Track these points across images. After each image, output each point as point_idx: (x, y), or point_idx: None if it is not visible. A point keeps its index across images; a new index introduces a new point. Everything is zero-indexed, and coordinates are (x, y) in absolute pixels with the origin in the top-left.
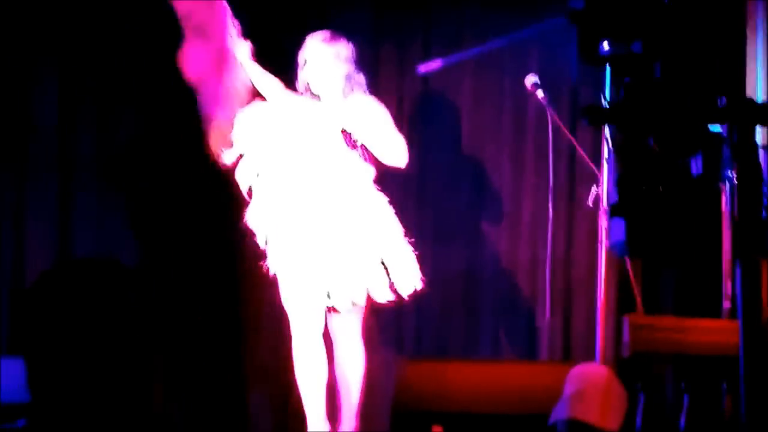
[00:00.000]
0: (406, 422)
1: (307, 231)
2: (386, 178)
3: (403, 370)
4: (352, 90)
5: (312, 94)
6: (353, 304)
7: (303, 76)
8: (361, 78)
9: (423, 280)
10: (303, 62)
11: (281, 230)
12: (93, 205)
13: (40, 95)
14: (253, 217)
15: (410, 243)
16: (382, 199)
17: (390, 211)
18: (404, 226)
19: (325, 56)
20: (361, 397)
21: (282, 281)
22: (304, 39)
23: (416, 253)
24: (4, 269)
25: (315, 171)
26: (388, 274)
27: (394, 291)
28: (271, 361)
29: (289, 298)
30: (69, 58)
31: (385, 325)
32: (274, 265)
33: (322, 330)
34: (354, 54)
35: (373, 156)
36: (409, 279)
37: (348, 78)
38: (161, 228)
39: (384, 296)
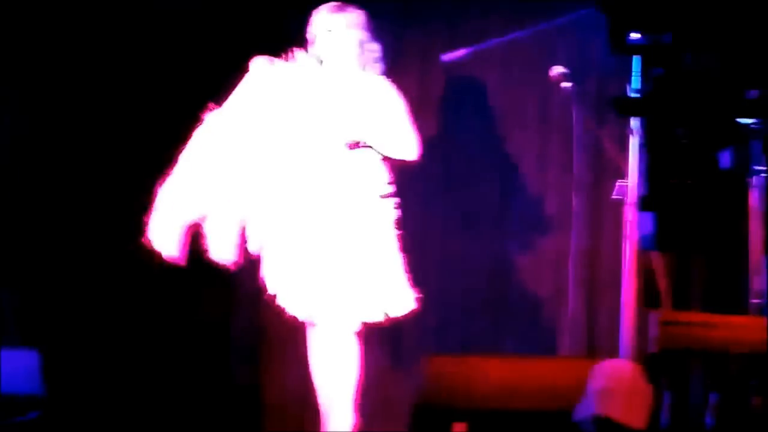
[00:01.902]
0: (429, 418)
1: (301, 244)
2: (411, 170)
3: (426, 365)
4: (367, 62)
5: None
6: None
7: (315, 50)
8: (374, 47)
9: (418, 299)
10: (313, 37)
11: (275, 240)
12: None
13: None
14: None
15: (434, 235)
16: (384, 209)
17: (389, 224)
18: (428, 219)
19: (337, 25)
20: (357, 392)
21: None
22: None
23: (440, 248)
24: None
25: (315, 173)
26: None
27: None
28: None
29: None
30: None
31: (408, 320)
32: (269, 277)
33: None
34: (366, 21)
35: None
36: (401, 301)
37: (361, 45)
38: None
39: (374, 317)
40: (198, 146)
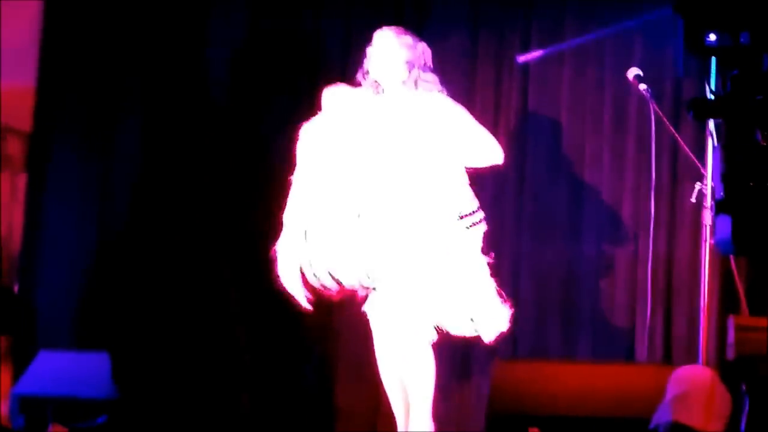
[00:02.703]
0: (502, 425)
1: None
2: (484, 174)
3: (499, 371)
4: (417, 84)
5: (374, 85)
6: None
7: (366, 65)
8: (429, 77)
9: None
10: (368, 54)
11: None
12: None
13: None
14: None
15: (508, 240)
16: (473, 233)
17: (477, 247)
18: (502, 223)
19: (387, 43)
20: (434, 397)
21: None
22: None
23: (513, 252)
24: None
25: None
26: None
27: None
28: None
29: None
30: None
31: None
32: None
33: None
34: (423, 51)
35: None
36: (495, 325)
37: (410, 65)
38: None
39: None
40: (303, 181)
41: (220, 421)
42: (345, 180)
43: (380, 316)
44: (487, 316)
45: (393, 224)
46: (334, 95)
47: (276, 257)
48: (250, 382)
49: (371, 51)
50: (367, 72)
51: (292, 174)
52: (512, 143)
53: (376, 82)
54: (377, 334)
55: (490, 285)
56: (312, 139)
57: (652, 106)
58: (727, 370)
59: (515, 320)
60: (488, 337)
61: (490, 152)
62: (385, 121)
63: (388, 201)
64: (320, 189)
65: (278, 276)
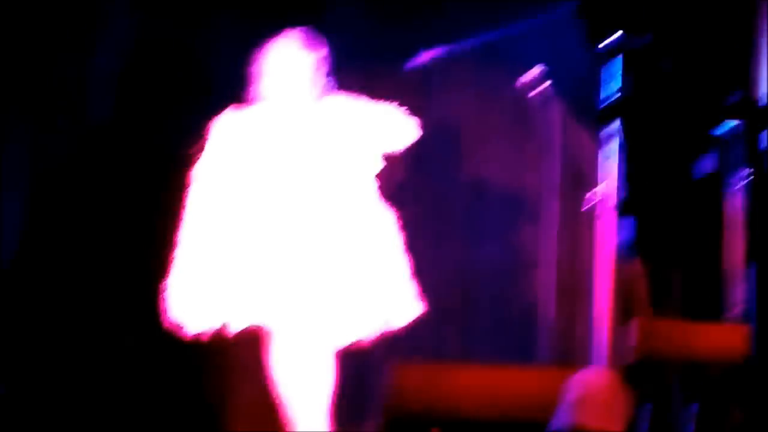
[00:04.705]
0: (400, 428)
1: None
2: (383, 177)
3: (397, 374)
4: (316, 91)
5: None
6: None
7: (263, 76)
8: (330, 81)
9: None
10: (264, 70)
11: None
12: None
13: None
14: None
15: (406, 242)
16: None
17: (386, 229)
18: (400, 224)
19: (286, 52)
20: (333, 399)
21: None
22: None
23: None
24: None
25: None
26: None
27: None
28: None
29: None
30: None
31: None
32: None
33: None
34: (322, 55)
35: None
36: (404, 309)
37: (311, 72)
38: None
39: (372, 329)
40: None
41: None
42: (241, 211)
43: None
44: (398, 297)
45: (299, 236)
46: (223, 127)
47: (167, 291)
48: (138, 389)
49: (269, 60)
50: (265, 84)
51: (185, 197)
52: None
53: (275, 93)
54: (277, 349)
55: (400, 267)
56: (206, 171)
57: (548, 109)
58: (628, 374)
59: (413, 323)
60: (399, 321)
61: (403, 130)
62: (286, 139)
63: (291, 222)
64: (216, 221)
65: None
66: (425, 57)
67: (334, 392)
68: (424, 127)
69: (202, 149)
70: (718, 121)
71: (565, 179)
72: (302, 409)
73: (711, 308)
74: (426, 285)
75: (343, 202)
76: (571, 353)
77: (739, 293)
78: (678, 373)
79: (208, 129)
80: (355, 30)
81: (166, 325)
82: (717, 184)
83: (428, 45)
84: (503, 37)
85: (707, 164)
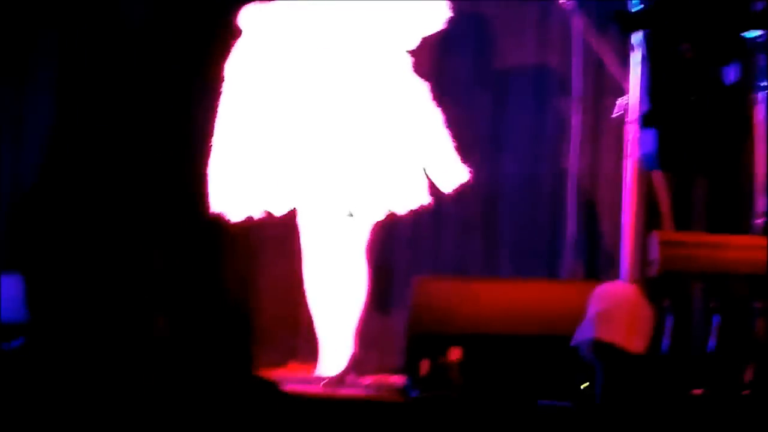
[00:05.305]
0: (423, 344)
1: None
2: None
3: (419, 289)
4: None
5: None
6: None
7: None
8: None
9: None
10: None
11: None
12: None
13: None
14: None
15: None
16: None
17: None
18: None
19: None
20: (360, 319)
21: (295, 195)
22: None
23: None
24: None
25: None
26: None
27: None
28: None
29: (304, 213)
30: None
31: (401, 243)
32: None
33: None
34: None
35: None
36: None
37: None
38: None
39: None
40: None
41: (136, 344)
42: (277, 105)
43: (316, 226)
44: (444, 164)
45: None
46: (252, 15)
47: (207, 177)
48: (167, 305)
49: None
50: None
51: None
52: (434, 53)
53: None
54: (309, 248)
55: (444, 136)
56: (240, 66)
57: (575, 20)
58: (650, 287)
59: (436, 237)
60: (447, 187)
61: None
62: (316, 27)
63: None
64: (251, 117)
65: (207, 195)
66: None
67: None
68: (449, 30)
69: (234, 41)
70: (743, 31)
71: (589, 92)
72: (331, 320)
73: (735, 220)
74: (448, 199)
75: (375, 87)
76: (595, 265)
77: (763, 204)
78: (701, 285)
79: (240, 20)
80: None
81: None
82: (741, 94)
83: None
84: None
85: (731, 74)
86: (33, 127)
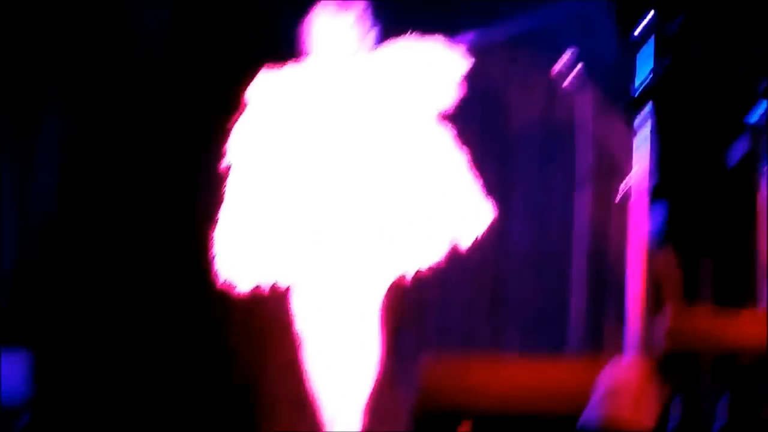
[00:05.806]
0: (431, 422)
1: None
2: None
3: (427, 367)
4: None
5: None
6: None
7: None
8: (369, 36)
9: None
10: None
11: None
12: None
13: None
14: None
15: None
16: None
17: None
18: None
19: (328, 18)
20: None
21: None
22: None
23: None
24: None
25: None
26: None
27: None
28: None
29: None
30: None
31: (407, 318)
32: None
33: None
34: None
35: None
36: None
37: (353, 33)
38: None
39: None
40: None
41: (140, 420)
42: (287, 174)
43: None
44: (467, 211)
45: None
46: (262, 88)
47: (214, 246)
48: (172, 381)
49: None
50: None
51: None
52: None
53: (318, 55)
54: (314, 324)
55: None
56: (248, 134)
57: (579, 97)
58: (658, 364)
59: (443, 314)
60: (467, 240)
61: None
62: (331, 93)
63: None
64: (261, 185)
65: (215, 266)
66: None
67: (369, 386)
68: (456, 108)
69: (247, 106)
70: (751, 108)
71: (597, 166)
72: (337, 399)
73: (743, 297)
74: (455, 278)
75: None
76: (603, 344)
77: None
78: (710, 363)
79: (255, 85)
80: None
81: (214, 283)
82: (749, 171)
83: (462, 29)
84: (536, 22)
85: (739, 151)
86: (37, 202)
